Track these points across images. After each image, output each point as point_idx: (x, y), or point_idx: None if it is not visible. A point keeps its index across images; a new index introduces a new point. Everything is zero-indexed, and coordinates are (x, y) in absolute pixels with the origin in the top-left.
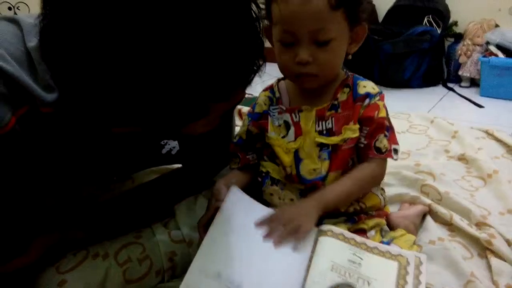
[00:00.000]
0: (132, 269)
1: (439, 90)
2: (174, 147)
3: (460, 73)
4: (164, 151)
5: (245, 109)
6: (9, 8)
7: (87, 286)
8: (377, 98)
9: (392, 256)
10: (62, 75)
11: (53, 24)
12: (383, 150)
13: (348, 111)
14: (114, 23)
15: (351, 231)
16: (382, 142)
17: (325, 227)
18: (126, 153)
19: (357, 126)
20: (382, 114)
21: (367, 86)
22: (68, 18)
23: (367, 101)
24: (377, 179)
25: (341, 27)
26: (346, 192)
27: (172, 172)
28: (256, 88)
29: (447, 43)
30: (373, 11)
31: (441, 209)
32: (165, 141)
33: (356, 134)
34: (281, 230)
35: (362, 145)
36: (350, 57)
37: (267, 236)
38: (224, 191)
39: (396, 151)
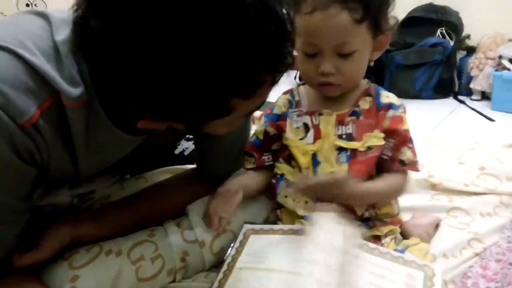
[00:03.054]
0: (145, 268)
1: (450, 102)
2: (187, 148)
3: (471, 86)
4: (177, 151)
5: (257, 113)
6: (27, 5)
7: (99, 283)
8: (401, 110)
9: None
10: (91, 65)
11: (86, 13)
12: (407, 163)
13: (371, 119)
14: (143, 14)
15: (366, 237)
16: (406, 155)
17: None
18: (142, 150)
19: (382, 134)
20: (406, 126)
21: (390, 96)
22: (99, 9)
23: (391, 112)
24: (400, 191)
25: (364, 38)
26: (375, 190)
27: (185, 173)
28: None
29: (459, 56)
30: None
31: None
32: (179, 141)
33: (382, 142)
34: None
35: (386, 157)
36: (372, 63)
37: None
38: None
39: (417, 162)
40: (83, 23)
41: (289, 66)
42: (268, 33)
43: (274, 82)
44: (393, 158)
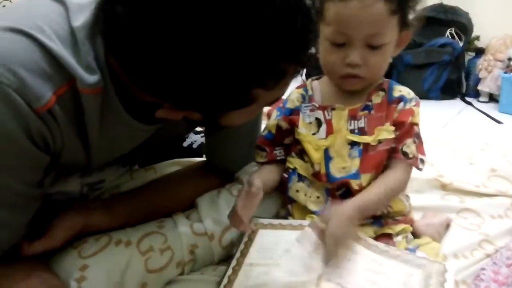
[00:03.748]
0: (154, 259)
1: (457, 103)
2: (195, 141)
3: (479, 87)
4: (185, 144)
5: (266, 108)
6: None
7: (109, 273)
8: (413, 103)
9: (416, 264)
10: (112, 52)
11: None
12: (410, 156)
13: (382, 113)
14: (171, 2)
15: (377, 235)
16: (410, 147)
17: None
18: (152, 142)
19: (393, 128)
20: (415, 120)
21: (402, 90)
22: None
23: (401, 105)
24: (402, 185)
25: (394, 32)
26: (378, 199)
27: (196, 165)
28: None
29: (467, 57)
30: None
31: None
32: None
33: (392, 135)
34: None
35: (390, 148)
36: (391, 60)
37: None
38: (259, 184)
39: (422, 161)
40: (108, 9)
41: (311, 58)
42: (294, 23)
43: (296, 73)
44: (395, 149)
